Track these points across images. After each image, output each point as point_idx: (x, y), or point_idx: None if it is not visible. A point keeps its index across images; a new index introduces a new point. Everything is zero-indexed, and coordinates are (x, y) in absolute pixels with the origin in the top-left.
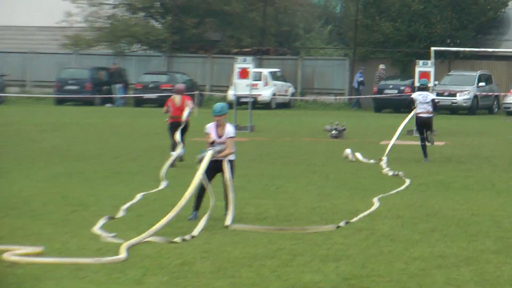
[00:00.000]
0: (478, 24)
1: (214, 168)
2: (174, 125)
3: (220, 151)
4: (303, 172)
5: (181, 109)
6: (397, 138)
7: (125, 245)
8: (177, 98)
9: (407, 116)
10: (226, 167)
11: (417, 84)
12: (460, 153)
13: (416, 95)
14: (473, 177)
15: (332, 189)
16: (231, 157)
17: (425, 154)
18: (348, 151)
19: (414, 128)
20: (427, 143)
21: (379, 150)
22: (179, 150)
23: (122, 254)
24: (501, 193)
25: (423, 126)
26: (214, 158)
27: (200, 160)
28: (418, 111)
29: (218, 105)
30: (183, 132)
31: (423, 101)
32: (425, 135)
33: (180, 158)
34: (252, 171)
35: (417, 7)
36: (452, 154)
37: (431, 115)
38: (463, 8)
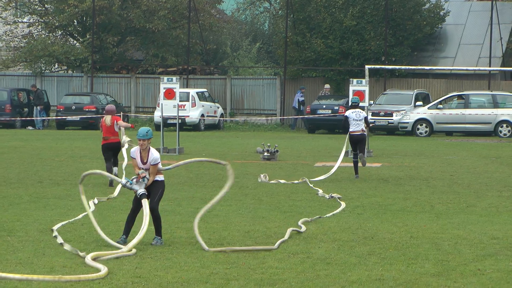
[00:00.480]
0: (414, 41)
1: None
2: (106, 147)
3: (140, 194)
4: (235, 195)
5: (111, 130)
6: (331, 161)
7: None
8: (108, 119)
9: (344, 137)
10: (144, 204)
11: (350, 102)
12: (398, 174)
13: (349, 113)
14: (412, 199)
15: (265, 212)
16: (159, 178)
17: (356, 171)
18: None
19: (349, 149)
20: (359, 164)
21: (313, 172)
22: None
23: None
24: (440, 216)
25: (357, 143)
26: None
27: (130, 188)
28: (352, 129)
29: (143, 129)
30: (116, 153)
31: (356, 118)
32: (357, 152)
33: (110, 183)
34: (182, 194)
35: (350, 23)
36: (389, 175)
37: (364, 133)
38: (398, 24)
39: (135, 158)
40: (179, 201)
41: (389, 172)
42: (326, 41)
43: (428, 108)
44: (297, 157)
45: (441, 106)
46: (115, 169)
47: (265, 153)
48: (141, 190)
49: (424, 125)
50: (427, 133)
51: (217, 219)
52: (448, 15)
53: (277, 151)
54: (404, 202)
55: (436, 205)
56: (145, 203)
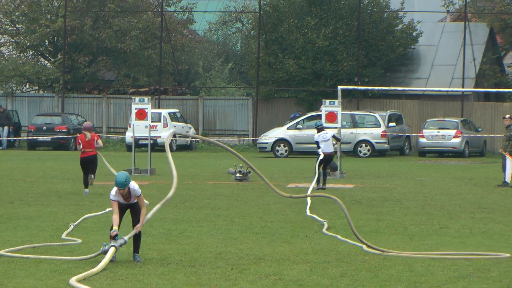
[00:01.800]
0: (387, 61)
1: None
2: (85, 160)
3: (122, 245)
4: (207, 216)
5: (90, 144)
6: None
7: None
8: (88, 135)
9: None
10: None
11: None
12: (371, 195)
13: (317, 137)
14: (385, 220)
15: (237, 233)
16: (142, 220)
17: (324, 182)
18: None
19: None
20: (329, 173)
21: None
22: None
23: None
24: (414, 237)
25: (327, 162)
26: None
27: (104, 252)
28: (324, 150)
29: (121, 177)
30: (94, 165)
31: (324, 139)
32: (327, 169)
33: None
34: (154, 215)
35: (322, 44)
36: (362, 196)
37: (332, 151)
38: (371, 44)
39: (116, 201)
40: (151, 222)
41: (362, 193)
42: (299, 62)
43: (287, 129)
44: (269, 178)
45: (300, 126)
46: (91, 177)
47: (237, 174)
48: (115, 243)
49: (282, 145)
50: (286, 153)
51: (189, 240)
52: (421, 36)
53: (249, 172)
54: (377, 223)
55: (409, 227)
56: (110, 253)
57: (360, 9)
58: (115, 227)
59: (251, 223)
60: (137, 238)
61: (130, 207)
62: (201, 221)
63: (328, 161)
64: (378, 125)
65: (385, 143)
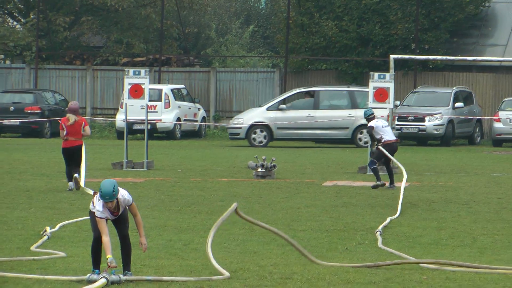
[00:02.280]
0: (454, 23)
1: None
2: (67, 151)
3: (115, 283)
4: None
5: (74, 131)
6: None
7: None
8: (72, 118)
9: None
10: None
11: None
12: (431, 197)
13: (373, 123)
14: (448, 228)
15: (258, 245)
16: (141, 231)
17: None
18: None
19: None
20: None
21: (321, 193)
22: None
23: None
24: (485, 250)
25: (393, 153)
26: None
27: (90, 281)
28: (387, 137)
29: (107, 186)
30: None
31: (385, 125)
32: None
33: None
34: (150, 221)
35: (370, 0)
36: (419, 198)
37: (397, 138)
38: (433, 1)
39: (104, 218)
40: (147, 231)
41: (419, 193)
42: (340, 24)
43: (267, 109)
44: (300, 174)
45: (283, 106)
46: (76, 176)
47: (259, 169)
48: (108, 276)
49: (259, 130)
50: (266, 140)
51: (196, 254)
52: None
53: (274, 166)
54: (438, 232)
55: (480, 237)
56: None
57: None
58: (110, 255)
59: None
60: (126, 252)
61: (115, 219)
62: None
63: (394, 151)
64: None
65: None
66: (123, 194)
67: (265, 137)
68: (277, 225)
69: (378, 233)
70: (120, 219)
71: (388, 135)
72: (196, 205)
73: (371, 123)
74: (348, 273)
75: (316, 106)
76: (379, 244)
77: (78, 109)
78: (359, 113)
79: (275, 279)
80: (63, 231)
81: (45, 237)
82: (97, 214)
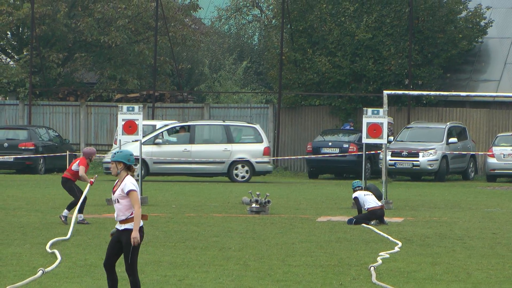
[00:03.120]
0: (447, 59)
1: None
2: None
3: None
4: (214, 258)
5: (70, 167)
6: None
7: None
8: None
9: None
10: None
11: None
12: (425, 232)
13: (357, 194)
14: (442, 264)
15: (253, 281)
16: (130, 226)
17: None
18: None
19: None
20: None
21: (315, 229)
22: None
23: None
24: (479, 286)
25: (379, 218)
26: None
27: None
28: (369, 205)
29: (124, 151)
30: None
31: (368, 194)
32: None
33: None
34: (145, 257)
35: (364, 36)
36: (414, 233)
37: (382, 204)
38: (426, 37)
39: (137, 191)
40: (142, 267)
41: (413, 229)
42: (333, 59)
43: (143, 144)
44: (294, 210)
45: (159, 140)
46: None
47: (253, 204)
48: None
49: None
50: (143, 173)
51: None
52: (491, 25)
53: (268, 201)
54: (432, 268)
55: (474, 272)
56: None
57: None
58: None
59: (270, 268)
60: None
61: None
62: (207, 265)
63: (378, 217)
64: (260, 140)
65: (268, 162)
66: (131, 181)
67: (142, 171)
68: (271, 261)
69: (372, 268)
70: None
71: (372, 202)
72: (190, 240)
73: (354, 194)
74: None
75: (192, 141)
76: (373, 279)
77: (92, 153)
78: (235, 147)
79: None
80: (58, 267)
81: (39, 272)
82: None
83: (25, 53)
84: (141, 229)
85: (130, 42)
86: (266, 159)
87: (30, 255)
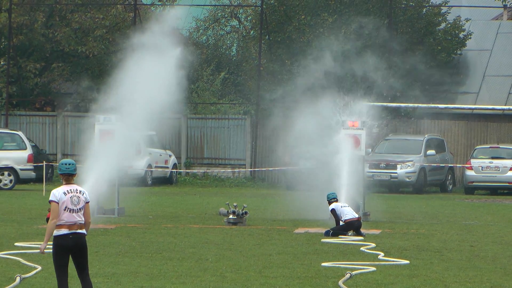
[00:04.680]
0: (426, 71)
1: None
2: None
3: None
4: (190, 269)
5: None
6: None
7: None
8: None
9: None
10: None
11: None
12: (403, 244)
13: (334, 205)
14: (420, 276)
15: None
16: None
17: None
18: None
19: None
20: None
21: (293, 240)
22: None
23: None
24: None
25: (357, 230)
26: (73, 233)
27: None
28: (347, 217)
29: (67, 161)
30: None
31: (345, 205)
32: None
33: None
34: (122, 268)
35: (342, 47)
36: (391, 245)
37: (358, 216)
38: (405, 49)
39: (57, 202)
40: (118, 277)
41: (390, 241)
42: (311, 72)
43: None
44: (271, 221)
45: None
46: None
47: (231, 216)
48: None
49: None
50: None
51: None
52: (470, 38)
53: (246, 213)
54: (410, 280)
55: (452, 285)
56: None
57: (392, 2)
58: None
59: (247, 279)
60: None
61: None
62: (183, 276)
63: (356, 228)
64: (23, 147)
65: (31, 170)
66: (85, 192)
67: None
68: (248, 272)
69: (348, 275)
70: (82, 254)
71: (349, 214)
72: (167, 251)
73: (331, 206)
74: None
75: None
76: (340, 283)
77: None
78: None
79: None
80: (34, 277)
81: (17, 279)
82: (54, 196)
83: (2, 62)
84: (56, 239)
85: (108, 53)
86: (29, 166)
87: (6, 265)
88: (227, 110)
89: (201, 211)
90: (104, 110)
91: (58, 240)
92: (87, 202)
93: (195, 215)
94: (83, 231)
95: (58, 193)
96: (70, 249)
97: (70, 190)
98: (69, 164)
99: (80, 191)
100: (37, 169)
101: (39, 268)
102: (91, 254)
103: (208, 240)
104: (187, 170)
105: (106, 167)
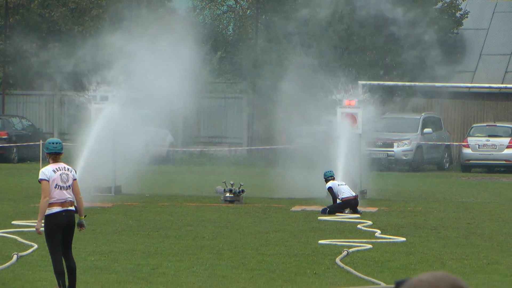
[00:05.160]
0: (422, 50)
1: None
2: None
3: None
4: (187, 247)
5: None
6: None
7: None
8: None
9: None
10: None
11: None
12: (400, 222)
13: (331, 183)
14: (417, 253)
15: (227, 270)
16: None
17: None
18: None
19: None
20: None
21: (289, 218)
22: None
23: None
24: (454, 275)
25: (354, 208)
26: (66, 210)
27: None
28: (344, 195)
29: (54, 140)
30: None
31: (341, 183)
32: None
33: None
34: (118, 246)
35: (338, 26)
36: (388, 223)
37: (356, 194)
38: (401, 27)
39: (48, 180)
40: (115, 255)
41: (387, 219)
42: (308, 49)
43: None
44: (268, 199)
45: None
46: None
47: (227, 194)
48: None
49: None
50: None
51: (164, 278)
52: (467, 17)
53: (242, 191)
54: (407, 257)
55: (448, 262)
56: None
57: None
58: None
59: (244, 257)
60: (71, 270)
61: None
62: (180, 254)
63: (353, 207)
64: None
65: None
66: (73, 169)
67: None
68: (245, 250)
69: (345, 252)
70: (70, 230)
71: (346, 192)
72: (164, 229)
73: (328, 184)
74: None
75: None
76: (337, 260)
77: None
78: None
79: None
80: (31, 256)
81: (14, 257)
82: (43, 175)
83: None
84: (48, 218)
85: (105, 33)
86: None
87: (2, 244)
88: (224, 89)
89: (198, 190)
90: (101, 89)
91: (52, 218)
92: (75, 179)
93: (192, 193)
94: (73, 208)
95: (47, 171)
96: (63, 226)
97: (59, 168)
98: (56, 143)
99: (68, 169)
100: (34, 148)
101: (36, 246)
102: (88, 232)
103: (205, 218)
104: (183, 149)
105: (103, 145)
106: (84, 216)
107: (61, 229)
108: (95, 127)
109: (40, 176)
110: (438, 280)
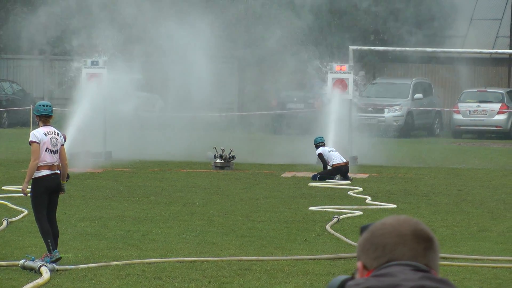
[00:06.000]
0: (412, 14)
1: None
2: None
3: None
4: (177, 214)
5: None
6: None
7: None
8: None
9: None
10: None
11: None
12: (390, 188)
13: (322, 149)
14: None
15: (217, 236)
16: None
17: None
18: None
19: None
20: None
21: (280, 184)
22: None
23: None
24: (445, 242)
25: (344, 175)
26: (54, 173)
27: (24, 268)
28: (335, 161)
29: (44, 102)
30: None
31: (332, 149)
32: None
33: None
34: (109, 212)
35: None
36: (379, 189)
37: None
38: None
39: (38, 143)
40: (105, 221)
41: (378, 185)
42: (298, 13)
43: None
44: (259, 165)
45: None
46: None
47: (218, 160)
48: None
49: None
50: None
51: (154, 245)
52: None
53: (233, 157)
54: None
55: (439, 229)
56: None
57: None
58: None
59: (234, 224)
60: (55, 235)
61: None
62: (170, 220)
63: (343, 173)
64: None
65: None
66: (61, 133)
67: None
68: (236, 216)
69: (336, 219)
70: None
71: (337, 158)
72: (154, 195)
73: (318, 150)
74: (307, 264)
75: None
76: (327, 227)
77: None
78: None
79: (234, 270)
80: (21, 221)
81: (4, 222)
82: (34, 137)
83: None
84: (37, 180)
85: None
86: None
87: None
88: (214, 52)
89: (188, 155)
90: (92, 54)
91: (41, 181)
92: (62, 145)
93: (182, 159)
94: (59, 171)
95: (38, 133)
96: (52, 189)
97: (49, 131)
98: (47, 106)
99: (57, 133)
100: (24, 112)
101: (26, 211)
102: (78, 198)
103: (195, 184)
104: (174, 114)
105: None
106: (66, 180)
107: (48, 192)
108: (86, 92)
109: (31, 138)
110: (400, 224)
